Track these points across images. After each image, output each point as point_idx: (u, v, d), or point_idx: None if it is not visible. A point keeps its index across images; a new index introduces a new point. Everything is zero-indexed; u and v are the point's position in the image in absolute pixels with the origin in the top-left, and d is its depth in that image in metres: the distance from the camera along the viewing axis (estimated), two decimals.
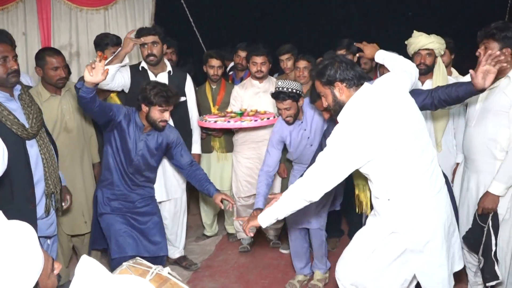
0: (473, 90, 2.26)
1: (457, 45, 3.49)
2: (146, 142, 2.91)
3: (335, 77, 2.10)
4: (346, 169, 2.04)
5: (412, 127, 2.06)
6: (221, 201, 2.90)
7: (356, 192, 3.16)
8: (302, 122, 3.13)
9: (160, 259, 3.02)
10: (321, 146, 2.75)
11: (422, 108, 2.48)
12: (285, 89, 2.93)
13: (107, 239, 2.92)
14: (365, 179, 2.32)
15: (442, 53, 3.09)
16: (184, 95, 3.52)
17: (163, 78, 3.37)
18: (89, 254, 3.36)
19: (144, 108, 2.79)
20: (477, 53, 2.58)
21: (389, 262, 2.17)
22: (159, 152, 2.98)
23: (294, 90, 2.92)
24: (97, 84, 2.50)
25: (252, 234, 2.31)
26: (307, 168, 2.22)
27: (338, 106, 2.14)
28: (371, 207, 2.33)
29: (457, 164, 3.09)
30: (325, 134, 2.76)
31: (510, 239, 2.62)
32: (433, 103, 2.43)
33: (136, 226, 2.95)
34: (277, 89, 2.97)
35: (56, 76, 2.97)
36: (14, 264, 1.20)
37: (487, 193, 2.54)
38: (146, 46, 3.28)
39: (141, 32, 3.30)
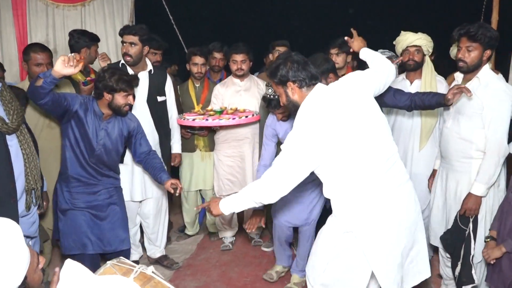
0: (442, 103, 2.54)
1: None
2: (107, 131, 2.84)
3: (287, 77, 2.12)
4: (300, 173, 2.06)
5: (367, 126, 2.07)
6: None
7: None
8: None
9: (124, 254, 2.91)
10: None
11: (402, 108, 2.71)
12: (276, 96, 2.78)
13: (64, 235, 2.83)
14: None
15: (431, 51, 3.13)
16: (164, 94, 3.50)
17: (143, 77, 3.33)
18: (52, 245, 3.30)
19: (107, 96, 2.72)
20: (459, 55, 2.59)
21: (349, 262, 2.14)
22: (121, 140, 2.92)
23: None
24: (62, 76, 2.48)
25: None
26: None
27: (292, 105, 2.20)
28: None
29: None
30: None
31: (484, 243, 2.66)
32: (411, 106, 2.62)
33: (97, 223, 2.87)
34: (268, 96, 2.98)
35: (38, 72, 2.91)
36: (1, 261, 1.21)
37: (469, 195, 2.58)
38: (124, 44, 3.27)
39: (124, 30, 3.30)
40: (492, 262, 2.45)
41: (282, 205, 3.11)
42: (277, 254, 3.43)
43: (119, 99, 2.74)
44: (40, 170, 2.65)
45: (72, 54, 2.48)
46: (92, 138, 2.79)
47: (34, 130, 3.03)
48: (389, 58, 3.34)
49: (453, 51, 3.18)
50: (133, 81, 2.77)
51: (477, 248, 2.62)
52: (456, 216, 2.68)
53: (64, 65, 2.40)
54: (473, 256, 2.59)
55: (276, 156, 3.15)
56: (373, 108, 2.15)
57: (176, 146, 3.65)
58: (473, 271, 2.58)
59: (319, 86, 2.15)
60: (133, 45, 3.25)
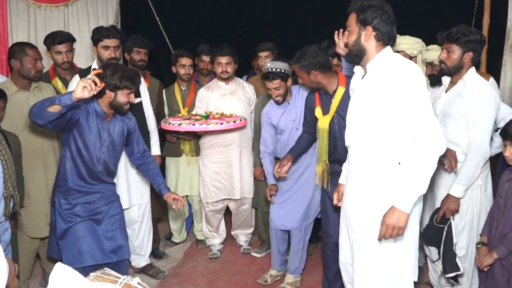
0: None
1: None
2: (109, 131, 2.72)
3: (371, 20, 2.02)
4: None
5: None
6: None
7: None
8: (289, 104, 3.25)
9: (123, 264, 2.84)
10: (306, 117, 2.99)
11: None
12: (274, 69, 3.08)
13: (65, 248, 2.69)
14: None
15: (415, 53, 3.12)
16: (139, 95, 3.38)
17: None
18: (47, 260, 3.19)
19: (109, 94, 2.59)
20: (440, 57, 2.62)
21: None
22: (122, 140, 2.81)
23: (283, 70, 3.09)
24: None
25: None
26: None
27: (356, 48, 2.08)
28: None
29: None
30: (307, 104, 2.97)
31: (470, 243, 2.66)
32: None
33: (98, 231, 2.75)
34: (266, 69, 3.12)
35: (34, 68, 2.96)
36: None
37: (448, 196, 2.57)
38: (108, 49, 3.17)
39: (104, 33, 3.17)
40: (486, 269, 2.43)
41: (278, 209, 3.24)
42: (272, 258, 3.45)
43: (121, 97, 2.61)
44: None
45: (90, 77, 2.32)
46: (96, 143, 2.66)
47: (14, 131, 2.93)
48: None
49: (425, 55, 3.17)
50: (136, 77, 2.67)
51: (460, 239, 2.62)
52: (432, 216, 2.67)
53: (85, 91, 2.28)
54: (455, 244, 2.56)
55: (277, 143, 3.35)
56: None
57: (154, 148, 3.54)
58: (457, 259, 2.55)
59: (390, 49, 2.09)
60: (117, 48, 3.22)
